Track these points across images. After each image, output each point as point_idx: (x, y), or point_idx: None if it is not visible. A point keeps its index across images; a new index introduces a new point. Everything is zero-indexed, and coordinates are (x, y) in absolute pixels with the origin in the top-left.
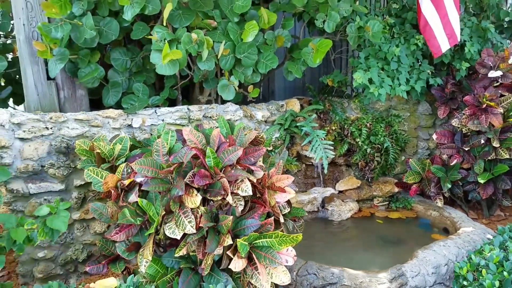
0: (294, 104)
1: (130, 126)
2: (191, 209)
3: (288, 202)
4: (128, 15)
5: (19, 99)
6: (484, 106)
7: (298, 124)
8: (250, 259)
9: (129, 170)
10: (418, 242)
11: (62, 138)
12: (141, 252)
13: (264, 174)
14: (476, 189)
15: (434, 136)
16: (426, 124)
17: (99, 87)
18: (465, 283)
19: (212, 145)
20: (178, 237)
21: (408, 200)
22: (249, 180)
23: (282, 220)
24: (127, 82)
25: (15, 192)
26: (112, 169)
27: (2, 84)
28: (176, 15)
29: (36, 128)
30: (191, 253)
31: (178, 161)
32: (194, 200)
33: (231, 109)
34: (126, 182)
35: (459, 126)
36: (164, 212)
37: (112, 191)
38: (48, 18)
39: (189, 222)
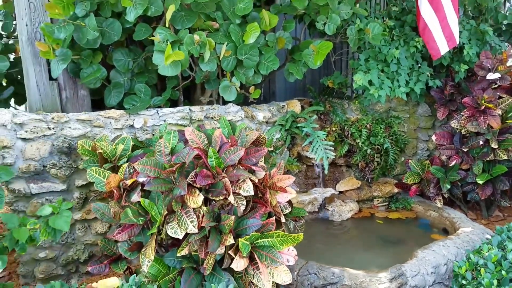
0: (295, 105)
1: (132, 126)
2: (193, 209)
3: (289, 202)
4: (130, 17)
5: (20, 99)
6: (482, 108)
7: (299, 125)
8: (251, 259)
9: (131, 170)
10: (418, 242)
11: (64, 138)
12: (143, 251)
13: (266, 174)
14: (475, 189)
15: (434, 137)
16: (426, 126)
17: (101, 87)
18: (464, 282)
19: (214, 145)
20: (180, 237)
21: (407, 200)
22: (251, 180)
23: (283, 220)
24: (129, 82)
25: (16, 192)
26: (114, 169)
27: (4, 84)
28: (178, 16)
29: (38, 128)
30: (193, 253)
31: (180, 161)
32: (196, 200)
33: (233, 110)
34: (129, 182)
35: (458, 127)
36: (166, 212)
37: (115, 191)
38: (51, 18)
39: (191, 221)
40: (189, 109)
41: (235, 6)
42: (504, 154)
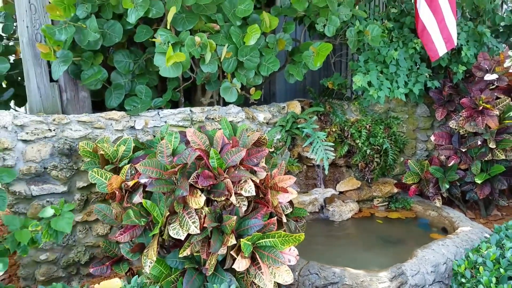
0: (295, 106)
1: (132, 128)
2: (195, 209)
3: (290, 202)
4: (132, 18)
5: (20, 101)
6: (480, 108)
7: (299, 126)
8: (253, 259)
9: (133, 172)
10: (418, 241)
11: (65, 140)
12: (145, 252)
13: (267, 174)
14: (473, 189)
15: (432, 138)
16: (424, 126)
17: (101, 89)
18: (463, 280)
19: (216, 146)
20: (182, 238)
21: (407, 200)
22: (252, 181)
23: (284, 220)
24: (130, 84)
25: (17, 194)
26: (116, 171)
27: (4, 86)
28: (179, 18)
29: (39, 130)
30: (195, 254)
31: (182, 162)
32: (198, 200)
33: (233, 111)
34: (131, 183)
35: (456, 127)
36: (168, 213)
37: (117, 192)
38: (52, 20)
39: (193, 222)
40: (190, 110)
41: (235, 8)
42: (502, 154)
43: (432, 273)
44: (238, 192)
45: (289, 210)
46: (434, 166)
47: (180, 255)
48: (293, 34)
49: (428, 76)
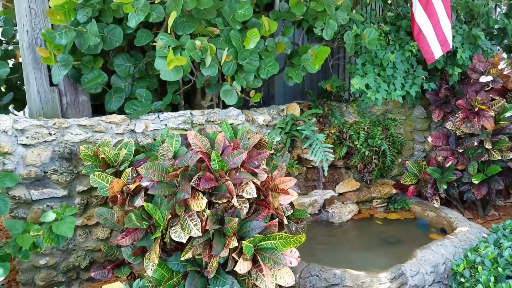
0: (294, 109)
1: (133, 131)
2: (197, 212)
3: (291, 204)
4: (132, 23)
5: (19, 105)
6: (476, 109)
7: (298, 128)
8: (254, 261)
9: (134, 175)
10: (417, 242)
11: (65, 144)
12: (147, 256)
13: (268, 176)
14: (470, 189)
15: (430, 139)
16: (422, 127)
17: (101, 92)
18: (462, 279)
19: (217, 148)
20: (184, 241)
21: (406, 201)
22: (253, 183)
23: (285, 222)
24: (130, 87)
25: (17, 198)
26: (117, 174)
27: (3, 90)
28: (179, 22)
29: (40, 134)
30: (196, 256)
31: (184, 165)
32: (199, 203)
33: (233, 113)
34: (132, 186)
35: (453, 129)
36: (169, 216)
37: (118, 196)
38: (52, 24)
39: (195, 225)
40: (190, 113)
41: (235, 12)
42: (498, 155)
43: (432, 273)
44: (240, 194)
45: (290, 212)
46: (432, 167)
47: (182, 258)
48: (291, 37)
49: (424, 78)
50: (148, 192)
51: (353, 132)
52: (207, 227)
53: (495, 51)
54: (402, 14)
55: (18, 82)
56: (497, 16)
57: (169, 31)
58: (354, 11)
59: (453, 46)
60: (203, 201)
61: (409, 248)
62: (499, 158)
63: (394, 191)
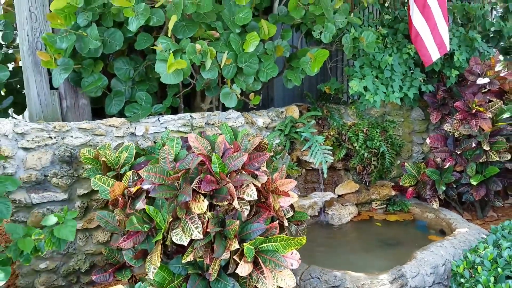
0: (293, 111)
1: (133, 134)
2: (198, 214)
3: (292, 206)
4: (133, 27)
5: (19, 108)
6: (474, 111)
7: (297, 130)
8: (255, 263)
9: (135, 178)
10: (416, 243)
11: (66, 147)
12: (148, 258)
13: (268, 178)
14: (469, 190)
15: (428, 141)
16: (420, 129)
17: (101, 96)
18: (462, 280)
19: (218, 151)
20: (185, 243)
21: (405, 203)
22: (254, 185)
23: (286, 224)
24: (130, 91)
25: (17, 202)
26: (118, 177)
27: (3, 94)
28: (180, 26)
29: (40, 138)
30: (198, 259)
31: (185, 168)
32: (201, 205)
33: (233, 116)
34: (133, 189)
35: (451, 130)
36: (171, 219)
37: (120, 199)
38: (52, 28)
39: (196, 227)
40: (190, 116)
41: (235, 16)
42: (495, 156)
43: (432, 274)
44: (240, 196)
45: (290, 214)
46: (430, 169)
47: (183, 261)
48: (290, 41)
49: (422, 80)
50: (149, 195)
51: (352, 134)
52: (208, 230)
53: (492, 53)
54: (400, 17)
55: (18, 86)
56: (493, 18)
57: (169, 35)
58: (352, 14)
59: (450, 48)
60: (204, 203)
61: (409, 250)
62: (497, 159)
63: (393, 192)
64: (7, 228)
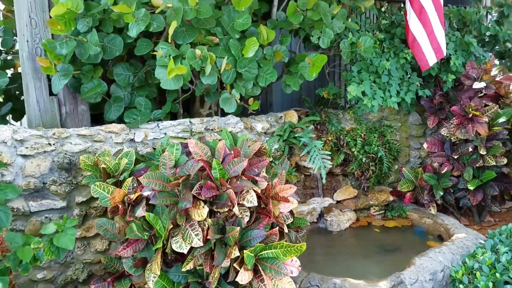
0: (292, 116)
1: (132, 140)
2: (198, 221)
3: (291, 212)
4: (133, 32)
5: (17, 115)
6: (470, 115)
7: (296, 135)
8: (255, 271)
9: (135, 184)
10: (415, 249)
11: (65, 154)
12: (148, 267)
13: (268, 184)
14: (466, 195)
15: (425, 145)
16: (417, 134)
17: (100, 102)
18: (461, 286)
19: (218, 157)
20: (185, 251)
21: (403, 208)
22: (254, 191)
23: (286, 230)
24: (129, 96)
25: (15, 210)
26: (117, 184)
27: (1, 100)
28: (179, 32)
29: (39, 145)
30: (197, 267)
31: (185, 174)
32: (201, 212)
33: (232, 121)
34: (133, 196)
35: (448, 135)
36: (171, 226)
37: (120, 206)
38: (52, 34)
39: (196, 235)
40: (190, 122)
41: (234, 21)
42: (492, 160)
43: (431, 280)
44: (241, 202)
45: (290, 220)
46: (428, 173)
47: (183, 269)
48: (289, 46)
49: (419, 85)
50: (150, 202)
51: (350, 139)
52: (208, 237)
53: (487, 57)
54: (396, 22)
55: (17, 92)
56: (488, 23)
57: (169, 41)
58: (349, 19)
59: (446, 53)
60: (205, 210)
61: (407, 256)
62: (494, 163)
63: (391, 198)
64: (6, 237)
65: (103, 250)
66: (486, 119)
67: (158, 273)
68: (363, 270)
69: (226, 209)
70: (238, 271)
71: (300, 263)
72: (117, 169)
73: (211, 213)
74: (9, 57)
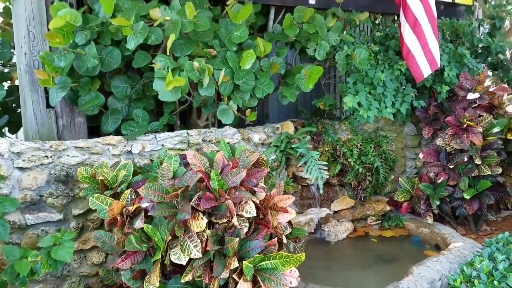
0: (288, 127)
1: (129, 152)
2: (197, 232)
3: (290, 222)
4: (131, 45)
5: (14, 128)
6: (465, 126)
7: (293, 146)
8: (254, 282)
9: (133, 196)
10: (412, 259)
11: (62, 166)
12: (147, 279)
13: (267, 195)
14: (462, 205)
15: (421, 155)
16: (412, 144)
17: (97, 114)
18: None
19: (216, 168)
20: (184, 263)
21: (400, 218)
22: (253, 202)
23: (285, 241)
24: (127, 108)
25: (11, 223)
26: (115, 196)
27: None
28: (177, 44)
29: (36, 157)
30: (196, 279)
31: (184, 185)
32: (200, 223)
33: (229, 132)
34: (132, 208)
35: (443, 145)
36: (169, 238)
37: (118, 218)
38: (50, 47)
39: (195, 246)
40: (187, 133)
41: (231, 34)
42: (487, 170)
43: None
44: (239, 213)
45: (289, 231)
46: (424, 183)
47: (182, 281)
48: (285, 58)
49: (413, 96)
50: (148, 214)
51: (346, 149)
52: (207, 248)
53: (480, 68)
54: (390, 34)
55: (14, 105)
56: (481, 35)
57: (167, 53)
58: (344, 32)
59: (440, 64)
60: (203, 221)
61: (405, 265)
62: (489, 173)
63: (388, 208)
64: (3, 250)
65: (100, 263)
66: (481, 129)
67: (157, 284)
68: (361, 280)
69: (225, 220)
70: (237, 282)
71: (299, 274)
72: (115, 181)
73: (210, 224)
74: (6, 70)
